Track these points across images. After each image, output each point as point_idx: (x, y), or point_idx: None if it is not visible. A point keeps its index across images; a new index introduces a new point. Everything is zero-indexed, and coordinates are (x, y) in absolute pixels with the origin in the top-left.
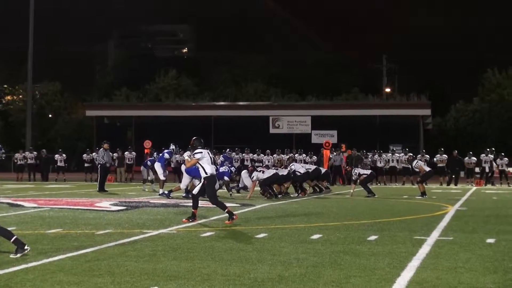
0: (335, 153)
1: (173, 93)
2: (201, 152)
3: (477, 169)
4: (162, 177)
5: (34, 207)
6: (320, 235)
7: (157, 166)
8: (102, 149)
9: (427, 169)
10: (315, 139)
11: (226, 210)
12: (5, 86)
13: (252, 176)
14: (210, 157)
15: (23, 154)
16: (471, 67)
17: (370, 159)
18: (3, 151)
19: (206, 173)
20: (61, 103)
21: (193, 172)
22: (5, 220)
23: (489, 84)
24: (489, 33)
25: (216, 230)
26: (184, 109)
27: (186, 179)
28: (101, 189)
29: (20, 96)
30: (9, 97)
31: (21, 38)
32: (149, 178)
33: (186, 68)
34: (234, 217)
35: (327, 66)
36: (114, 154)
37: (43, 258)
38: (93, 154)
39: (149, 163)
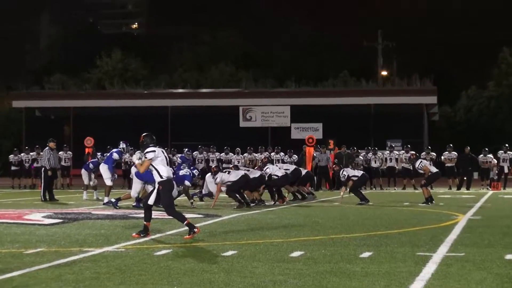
0: (320, 151)
1: (119, 78)
2: (154, 151)
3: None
4: (108, 183)
5: None
6: (302, 252)
7: (103, 169)
8: (47, 148)
9: (434, 170)
10: (295, 134)
11: (186, 222)
12: None
13: (216, 177)
14: (165, 157)
15: None
16: (485, 46)
17: (363, 158)
18: None
19: (161, 176)
20: None
21: (145, 176)
22: None
23: (506, 65)
24: (506, 5)
25: (173, 247)
26: (134, 98)
27: (137, 184)
28: (51, 197)
29: None
30: None
31: None
32: (91, 183)
33: (136, 48)
34: (196, 230)
35: (310, 45)
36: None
37: None
38: (22, 154)
39: (91, 165)
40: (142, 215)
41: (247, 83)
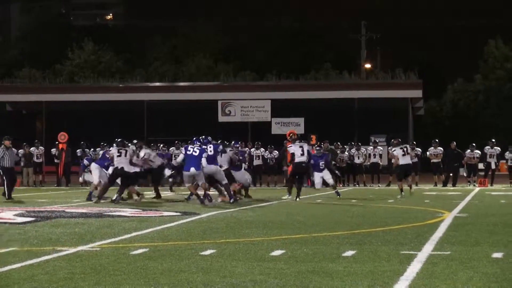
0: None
1: (91, 71)
2: None
3: (480, 165)
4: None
5: None
6: (283, 251)
7: (94, 167)
8: (2, 146)
9: (403, 161)
10: (276, 129)
11: None
12: None
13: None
14: None
15: None
16: (471, 37)
17: (347, 154)
18: None
19: None
20: None
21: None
22: None
23: (493, 59)
24: None
25: (150, 246)
26: (108, 92)
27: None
28: (10, 196)
29: None
30: None
31: None
32: (80, 179)
33: (110, 40)
34: None
35: (290, 36)
36: (19, 151)
37: None
38: None
39: (86, 162)
40: (118, 213)
41: (226, 76)
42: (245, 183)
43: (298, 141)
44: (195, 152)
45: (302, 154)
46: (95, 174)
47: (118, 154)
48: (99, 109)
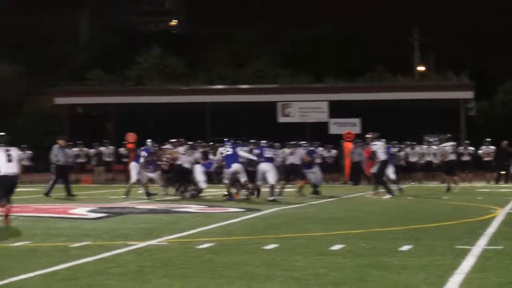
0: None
1: (158, 75)
2: None
3: None
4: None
5: None
6: (342, 246)
7: (133, 166)
8: (57, 146)
9: (451, 158)
10: (333, 129)
11: None
12: None
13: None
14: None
15: None
16: None
17: (402, 153)
18: None
19: None
20: (23, 89)
21: None
22: None
23: None
24: None
25: (215, 240)
26: (173, 94)
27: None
28: (48, 193)
29: None
30: None
31: None
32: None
33: (175, 45)
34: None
35: (347, 41)
36: (91, 150)
37: (7, 276)
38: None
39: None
40: (184, 209)
41: (284, 79)
42: (315, 180)
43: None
44: (229, 151)
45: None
46: (134, 173)
47: (183, 153)
48: (164, 111)
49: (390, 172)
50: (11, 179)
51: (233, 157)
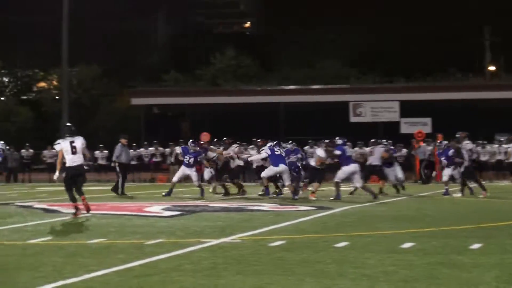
0: (424, 144)
1: (231, 75)
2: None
3: None
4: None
5: (72, 213)
6: (413, 244)
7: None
8: (119, 144)
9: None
10: (405, 129)
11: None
12: (37, 70)
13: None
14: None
15: (53, 150)
16: None
17: (473, 152)
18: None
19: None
20: (101, 90)
21: None
22: (39, 229)
23: None
24: None
25: (287, 238)
26: (247, 95)
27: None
28: (122, 191)
29: (54, 82)
30: (43, 84)
31: (54, 11)
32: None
33: (248, 46)
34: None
35: (418, 41)
36: (166, 150)
37: (83, 273)
38: (141, 149)
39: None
40: (257, 208)
41: (356, 79)
42: (393, 179)
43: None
44: (281, 152)
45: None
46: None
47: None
48: (238, 111)
49: (399, 171)
50: (76, 170)
51: (281, 158)
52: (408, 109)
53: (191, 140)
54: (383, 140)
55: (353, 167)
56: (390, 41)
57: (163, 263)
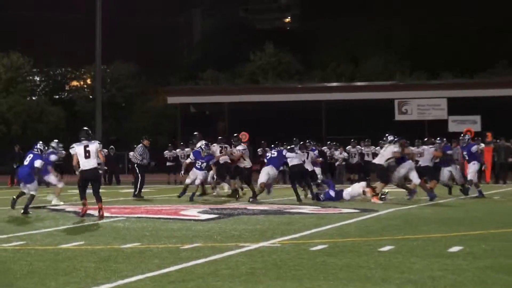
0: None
1: (272, 72)
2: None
3: None
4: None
5: (106, 217)
6: (461, 247)
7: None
8: (141, 145)
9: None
10: (453, 127)
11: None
12: (69, 69)
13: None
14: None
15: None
16: None
17: None
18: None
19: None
20: (136, 89)
21: None
22: (71, 233)
23: None
24: None
25: (329, 242)
26: (287, 93)
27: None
28: (139, 193)
29: (88, 81)
30: (75, 83)
31: (87, 8)
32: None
33: (289, 42)
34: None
35: (466, 34)
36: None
37: (117, 278)
38: (177, 150)
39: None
40: (297, 210)
41: (402, 75)
42: (445, 179)
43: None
44: (274, 154)
45: None
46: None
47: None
48: (278, 109)
49: (455, 171)
50: (90, 174)
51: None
52: (456, 107)
53: (204, 143)
54: (437, 139)
55: (409, 163)
56: (437, 35)
57: (200, 268)
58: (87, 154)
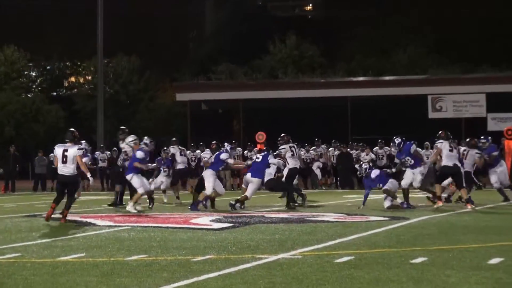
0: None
1: (292, 66)
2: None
3: None
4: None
5: (109, 226)
6: (501, 259)
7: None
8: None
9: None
10: (492, 126)
11: None
12: (68, 63)
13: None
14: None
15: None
16: None
17: None
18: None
19: None
20: (141, 85)
21: None
22: (71, 244)
23: None
24: None
25: (356, 253)
26: (309, 88)
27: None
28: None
29: (88, 77)
30: (73, 79)
31: None
32: None
33: (311, 33)
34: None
35: (505, 23)
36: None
37: None
38: (188, 153)
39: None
40: (321, 218)
41: (436, 69)
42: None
43: None
44: (258, 158)
45: None
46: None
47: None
48: (299, 107)
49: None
50: (66, 180)
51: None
52: (497, 103)
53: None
54: (481, 139)
55: (421, 169)
56: (473, 25)
57: (213, 283)
58: (64, 159)
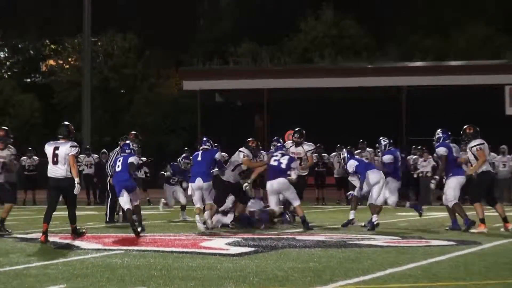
0: None
1: (331, 48)
2: None
3: None
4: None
5: (98, 250)
6: None
7: None
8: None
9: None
10: None
11: None
12: (47, 42)
13: None
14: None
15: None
16: None
17: None
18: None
19: None
20: (139, 69)
21: None
22: (47, 272)
23: None
24: None
25: (412, 287)
26: (352, 75)
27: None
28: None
29: (71, 60)
30: (53, 62)
31: None
32: None
33: (353, 6)
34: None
35: None
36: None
37: None
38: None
39: None
40: (367, 242)
41: (508, 51)
42: None
43: None
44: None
45: None
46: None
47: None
48: (338, 98)
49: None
50: (59, 184)
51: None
52: None
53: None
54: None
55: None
56: None
57: None
58: (54, 159)
